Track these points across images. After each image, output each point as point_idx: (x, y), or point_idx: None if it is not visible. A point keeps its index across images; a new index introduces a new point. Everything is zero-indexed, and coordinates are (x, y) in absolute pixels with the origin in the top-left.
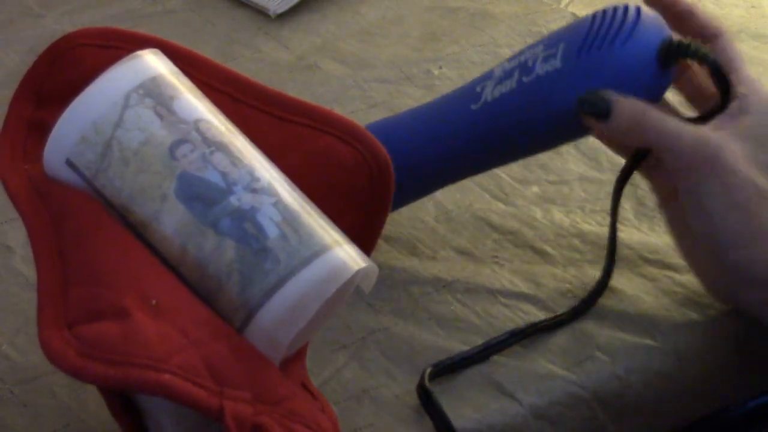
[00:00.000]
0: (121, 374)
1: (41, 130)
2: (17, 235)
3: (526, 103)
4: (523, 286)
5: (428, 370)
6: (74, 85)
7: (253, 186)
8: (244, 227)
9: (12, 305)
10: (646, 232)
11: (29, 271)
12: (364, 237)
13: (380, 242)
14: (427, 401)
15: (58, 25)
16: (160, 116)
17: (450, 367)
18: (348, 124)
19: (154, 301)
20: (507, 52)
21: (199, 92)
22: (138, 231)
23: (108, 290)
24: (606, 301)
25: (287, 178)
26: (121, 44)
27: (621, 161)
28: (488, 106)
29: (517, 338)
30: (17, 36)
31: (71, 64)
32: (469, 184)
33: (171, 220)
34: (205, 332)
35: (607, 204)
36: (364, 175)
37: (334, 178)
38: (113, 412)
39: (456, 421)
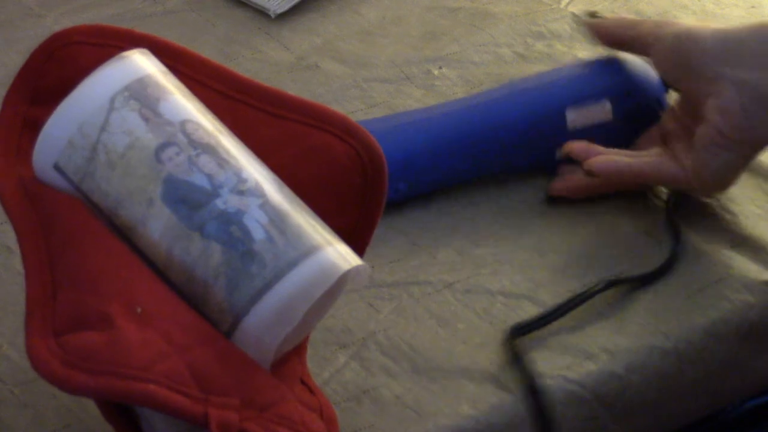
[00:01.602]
0: (105, 385)
1: (35, 127)
2: None
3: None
4: (523, 286)
5: (512, 328)
6: (69, 82)
7: (240, 188)
8: (230, 231)
9: (12, 305)
10: None
11: None
12: (358, 234)
13: (380, 242)
14: (515, 359)
15: (58, 25)
16: (146, 119)
17: (532, 325)
18: (343, 121)
19: (139, 309)
20: (507, 52)
21: (187, 91)
22: (125, 235)
23: (94, 297)
24: (606, 300)
25: (277, 177)
26: (115, 42)
27: None
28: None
29: (602, 289)
30: (17, 36)
31: (65, 61)
32: (469, 183)
33: (157, 225)
34: (191, 338)
35: (605, 204)
36: (358, 172)
37: (328, 175)
38: (106, 416)
39: (455, 420)
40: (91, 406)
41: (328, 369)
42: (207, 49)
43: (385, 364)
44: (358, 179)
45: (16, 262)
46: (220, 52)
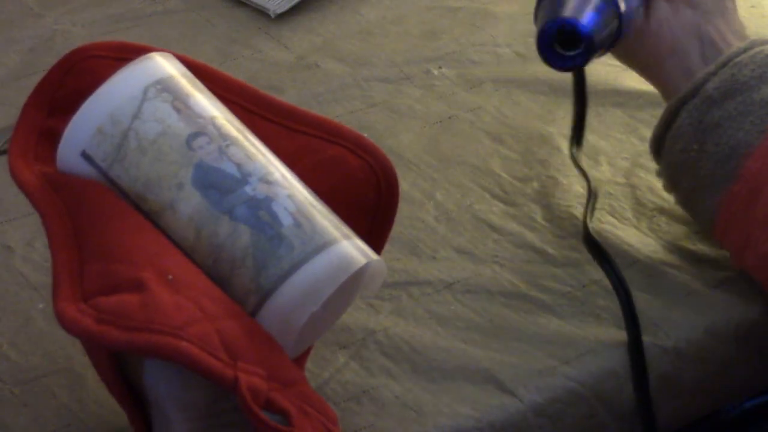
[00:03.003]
0: (140, 339)
1: (51, 137)
2: (17, 235)
3: None
4: (523, 286)
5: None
6: (86, 95)
7: (268, 178)
8: (259, 215)
9: (12, 305)
10: (646, 231)
11: (29, 271)
12: (369, 245)
13: None
14: (595, 250)
15: (58, 25)
16: (178, 110)
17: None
18: (357, 137)
19: (170, 276)
20: (507, 51)
21: (212, 95)
22: (152, 219)
23: (125, 266)
24: (606, 299)
25: (299, 179)
26: (133, 57)
27: (620, 163)
28: None
29: None
30: (17, 36)
31: (84, 74)
32: (469, 184)
33: (186, 207)
34: (219, 309)
35: (605, 202)
36: (371, 186)
37: (342, 187)
38: (118, 398)
39: (456, 420)
40: (90, 405)
41: (328, 369)
42: (207, 49)
43: (385, 364)
44: (371, 193)
45: (17, 262)
46: (220, 52)
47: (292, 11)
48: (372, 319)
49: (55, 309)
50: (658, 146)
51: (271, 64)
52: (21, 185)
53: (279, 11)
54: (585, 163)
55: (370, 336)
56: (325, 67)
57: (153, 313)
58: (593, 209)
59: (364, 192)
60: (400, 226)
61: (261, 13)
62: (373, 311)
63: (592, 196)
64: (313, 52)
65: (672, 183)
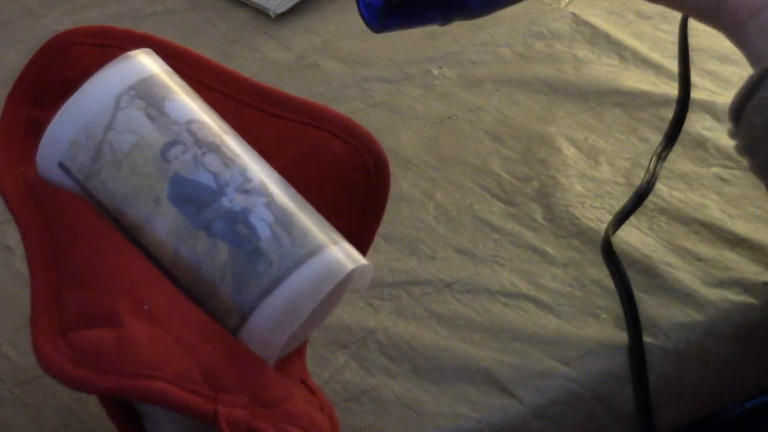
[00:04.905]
0: (115, 383)
1: (37, 129)
2: (17, 235)
3: None
4: (523, 286)
5: (610, 225)
6: (70, 83)
7: (245, 187)
8: (237, 229)
9: (12, 305)
10: (646, 231)
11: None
12: (361, 233)
13: (380, 242)
14: (610, 259)
15: (58, 25)
16: (152, 118)
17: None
18: (343, 120)
19: (146, 306)
20: (507, 52)
21: (191, 91)
22: (131, 234)
23: (101, 295)
24: (606, 299)
25: (281, 177)
26: (115, 42)
27: (620, 163)
28: None
29: None
30: (17, 36)
31: (67, 62)
32: (469, 184)
33: (164, 224)
34: (198, 336)
35: (605, 202)
36: (359, 171)
37: (329, 174)
38: (110, 414)
39: (456, 420)
40: (90, 405)
41: (328, 369)
42: (207, 49)
43: (385, 364)
44: (359, 178)
45: (17, 262)
46: (220, 52)
47: (292, 11)
48: (372, 319)
49: (32, 342)
50: (737, 113)
51: (271, 64)
52: (2, 194)
53: (279, 11)
54: (585, 163)
55: (370, 336)
56: (325, 67)
57: (127, 352)
58: (622, 220)
59: (352, 178)
60: (400, 226)
61: (261, 13)
62: (373, 311)
63: (630, 206)
64: (313, 52)
65: (749, 150)
